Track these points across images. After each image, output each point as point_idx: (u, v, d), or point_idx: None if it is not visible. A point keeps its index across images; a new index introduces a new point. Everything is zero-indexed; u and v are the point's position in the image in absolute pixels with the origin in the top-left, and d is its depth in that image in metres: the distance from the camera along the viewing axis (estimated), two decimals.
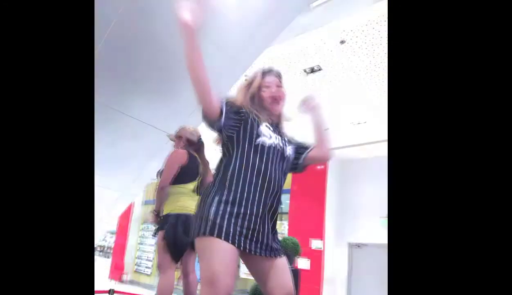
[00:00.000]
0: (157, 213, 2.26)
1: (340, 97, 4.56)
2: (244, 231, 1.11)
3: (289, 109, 1.40)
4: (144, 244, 10.26)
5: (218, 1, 2.30)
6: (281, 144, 1.26)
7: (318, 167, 6.54)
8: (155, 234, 2.25)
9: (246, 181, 1.15)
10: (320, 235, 6.30)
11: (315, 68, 3.97)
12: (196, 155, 2.35)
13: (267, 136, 1.22)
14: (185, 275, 2.25)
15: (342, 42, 3.46)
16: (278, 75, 1.36)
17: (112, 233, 11.64)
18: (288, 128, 1.41)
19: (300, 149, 1.38)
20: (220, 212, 1.10)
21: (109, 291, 3.39)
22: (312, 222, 6.43)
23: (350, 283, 6.44)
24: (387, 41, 1.79)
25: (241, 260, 1.22)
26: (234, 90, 1.39)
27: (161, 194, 2.19)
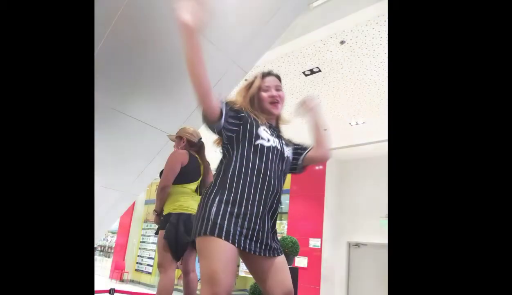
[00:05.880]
0: (158, 213, 2.27)
1: (339, 97, 4.56)
2: (244, 231, 1.12)
3: (288, 111, 1.41)
4: (145, 243, 10.28)
5: (218, 1, 2.30)
6: (280, 146, 1.27)
7: (317, 167, 6.56)
8: (156, 233, 2.26)
9: (246, 182, 1.16)
10: (319, 235, 6.32)
11: (314, 70, 3.97)
12: (197, 156, 2.36)
13: (265, 138, 1.23)
14: (186, 274, 2.26)
15: (342, 42, 3.46)
16: (278, 77, 1.37)
17: (113, 232, 11.66)
18: (287, 130, 1.42)
19: (299, 149, 1.39)
20: (221, 212, 1.11)
21: (109, 291, 3.39)
22: (311, 221, 6.46)
23: (348, 282, 6.45)
24: (387, 41, 1.79)
25: (240, 259, 1.22)
26: (234, 92, 1.39)
27: (162, 194, 2.20)
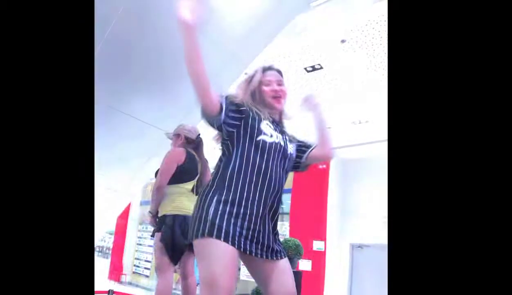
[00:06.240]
0: (153, 214, 2.19)
1: (341, 95, 4.56)
2: (244, 231, 1.09)
3: (290, 107, 1.37)
4: (142, 245, 10.18)
5: None
6: (283, 142, 1.23)
7: (320, 166, 6.37)
8: (153, 236, 2.20)
9: (246, 180, 1.12)
10: (322, 236, 6.11)
11: (316, 66, 3.97)
12: (194, 153, 2.28)
13: (268, 133, 1.19)
14: (184, 278, 2.20)
15: (343, 41, 3.46)
16: (279, 72, 1.33)
17: (110, 233, 11.61)
18: (290, 126, 1.38)
19: (302, 147, 1.35)
20: (219, 212, 1.07)
21: (108, 292, 3.39)
22: (314, 222, 6.23)
23: (351, 285, 6.36)
24: (387, 41, 1.79)
25: (241, 262, 1.19)
26: (234, 88, 1.35)
27: (158, 194, 2.14)
